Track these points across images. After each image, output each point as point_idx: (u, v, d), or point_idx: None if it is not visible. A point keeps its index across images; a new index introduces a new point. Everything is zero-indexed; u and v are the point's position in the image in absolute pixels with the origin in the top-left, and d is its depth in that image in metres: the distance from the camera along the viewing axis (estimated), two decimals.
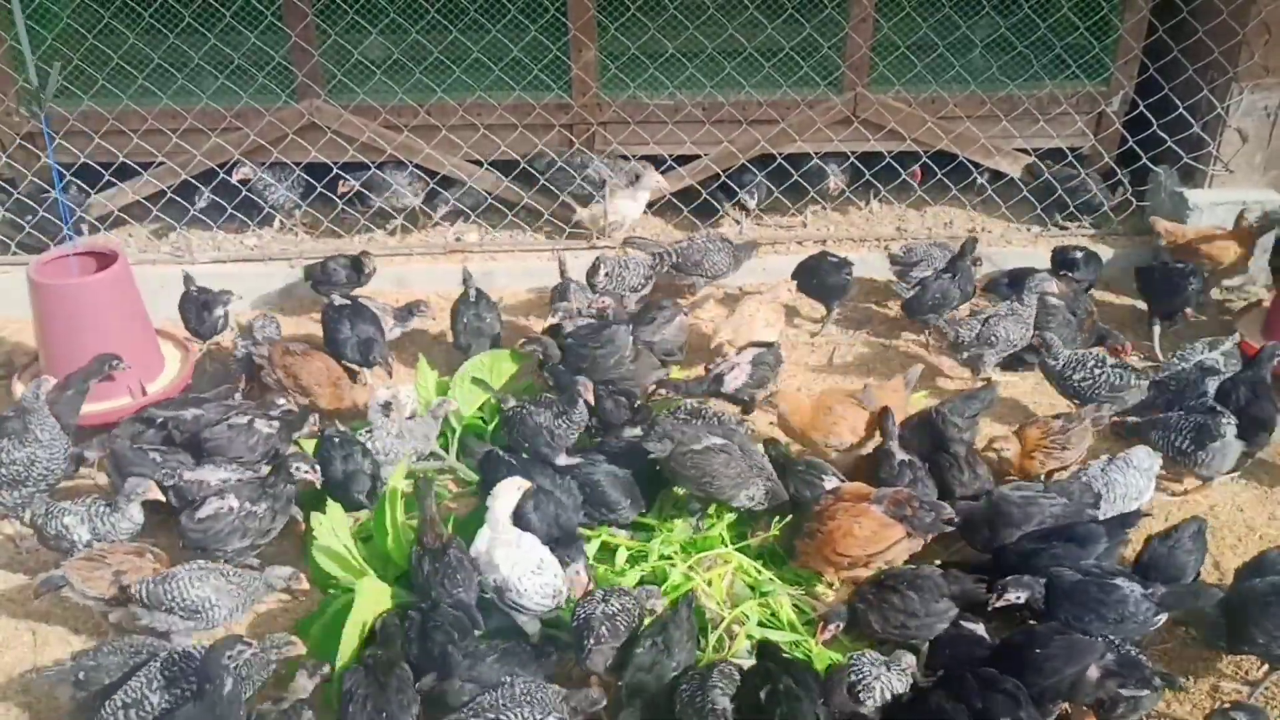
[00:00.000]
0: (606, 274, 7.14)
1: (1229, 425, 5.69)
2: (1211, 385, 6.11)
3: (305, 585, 4.99)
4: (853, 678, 4.32)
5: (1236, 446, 5.73)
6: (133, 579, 4.76)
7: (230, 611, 4.79)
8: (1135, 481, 5.40)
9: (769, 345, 6.39)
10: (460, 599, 4.70)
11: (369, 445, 5.62)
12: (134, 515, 5.20)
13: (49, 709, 4.73)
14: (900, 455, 5.46)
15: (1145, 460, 5.48)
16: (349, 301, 6.78)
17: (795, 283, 7.37)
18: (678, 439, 5.35)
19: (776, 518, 5.34)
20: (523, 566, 4.72)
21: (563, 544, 5.00)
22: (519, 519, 4.95)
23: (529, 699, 4.20)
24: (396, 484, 5.55)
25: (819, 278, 7.28)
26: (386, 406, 5.79)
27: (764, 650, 4.55)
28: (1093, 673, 4.28)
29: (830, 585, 5.16)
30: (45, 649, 5.01)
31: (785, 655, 4.52)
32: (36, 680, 4.66)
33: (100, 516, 5.15)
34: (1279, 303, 6.96)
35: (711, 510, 5.51)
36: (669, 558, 5.26)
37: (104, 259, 6.37)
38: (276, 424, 5.79)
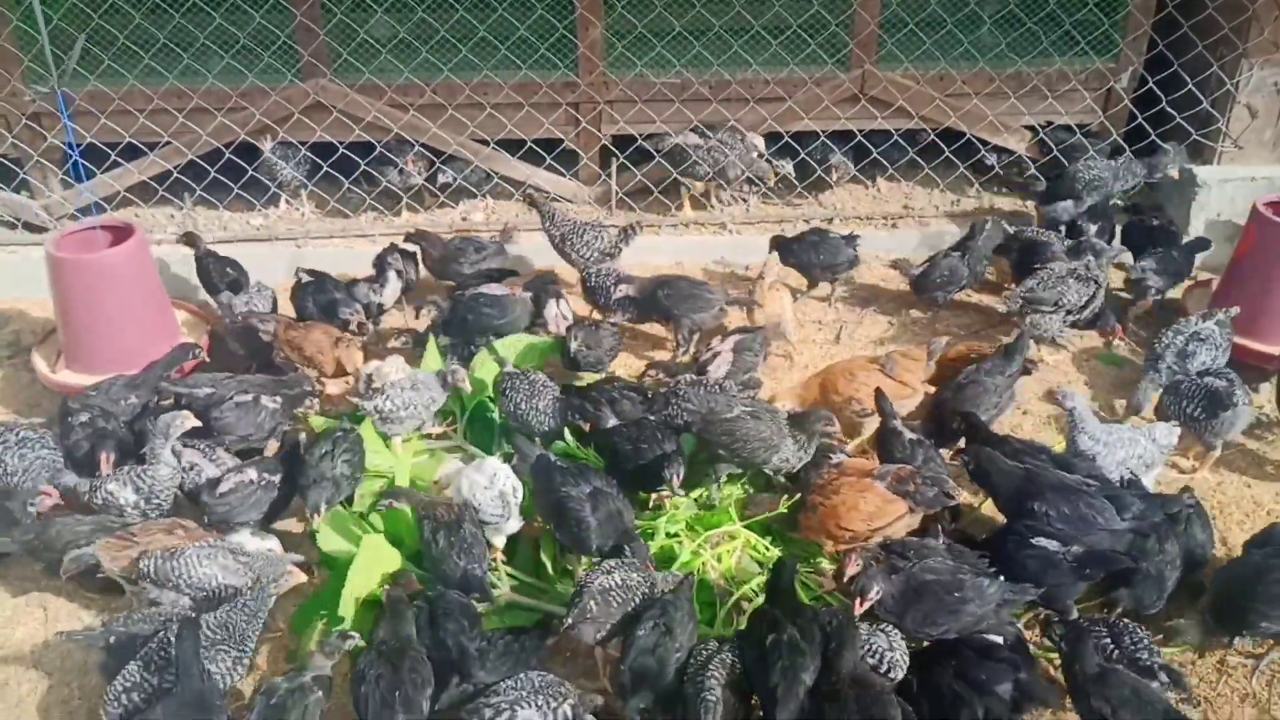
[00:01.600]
0: (568, 233, 7.17)
1: (1242, 393, 5.68)
2: (1204, 354, 6.12)
3: (302, 578, 4.92)
4: (871, 660, 4.32)
5: (1246, 415, 5.73)
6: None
7: (238, 591, 4.79)
8: (1147, 450, 5.40)
9: (753, 331, 6.37)
10: (474, 573, 4.73)
11: (385, 405, 5.63)
12: (168, 459, 5.27)
13: (61, 683, 4.76)
14: (909, 434, 5.46)
15: (1165, 437, 5.48)
16: (312, 278, 6.90)
17: (792, 262, 7.36)
18: (708, 408, 5.40)
19: (785, 495, 5.34)
20: (479, 485, 4.97)
21: (624, 540, 4.94)
22: (577, 518, 4.93)
23: (546, 689, 4.20)
24: (406, 461, 5.57)
25: (823, 254, 7.25)
26: (369, 379, 5.87)
27: (776, 592, 4.54)
28: None
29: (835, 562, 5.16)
30: (55, 624, 5.04)
31: (797, 602, 4.50)
32: (67, 643, 4.69)
33: (139, 475, 5.22)
34: (1225, 282, 6.91)
35: (723, 478, 5.51)
36: (675, 535, 5.26)
37: (119, 233, 6.42)
38: (280, 400, 5.82)
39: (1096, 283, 6.62)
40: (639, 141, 8.03)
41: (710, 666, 4.23)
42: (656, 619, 4.36)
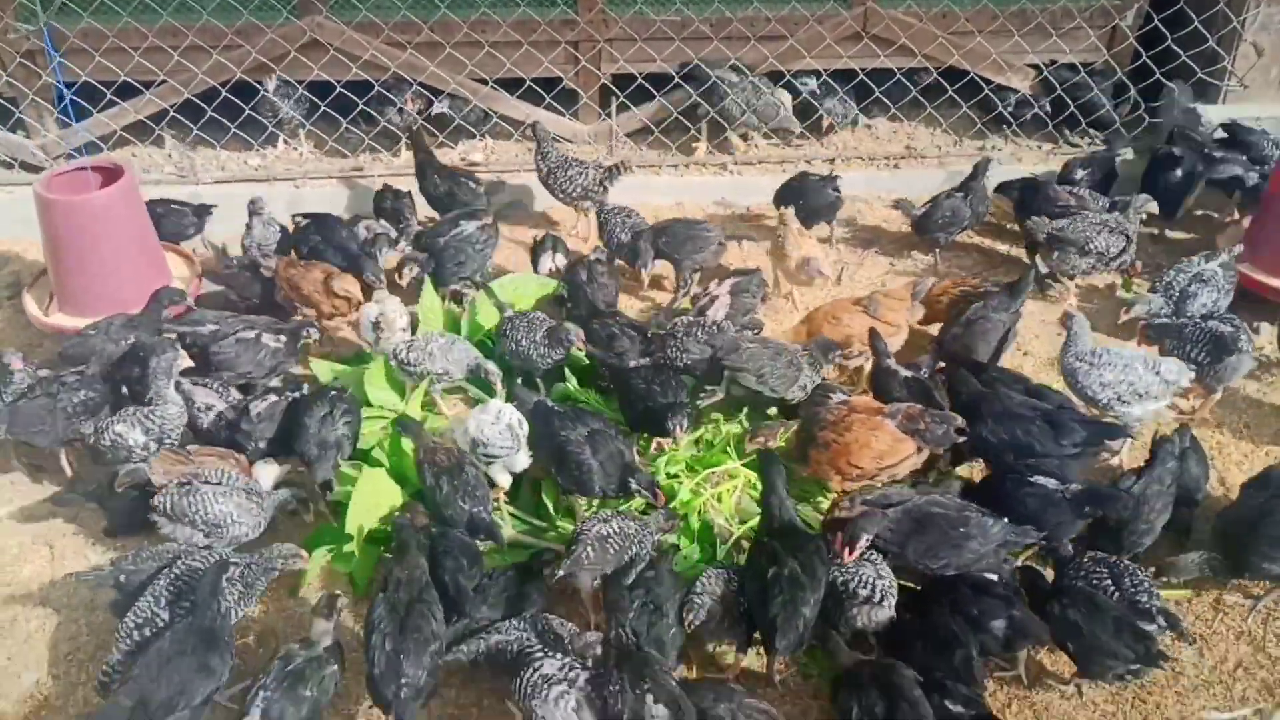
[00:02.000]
0: (554, 168, 7.18)
1: (1246, 339, 5.68)
2: (1205, 296, 6.11)
3: (307, 565, 4.87)
4: (863, 590, 4.36)
5: (1250, 361, 5.73)
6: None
7: (250, 529, 4.85)
8: (1143, 379, 5.37)
9: (749, 273, 6.36)
10: (480, 516, 4.78)
11: (405, 356, 5.65)
12: (174, 397, 5.28)
13: (68, 620, 4.81)
14: (903, 373, 5.47)
15: (1173, 374, 5.43)
16: (309, 220, 6.82)
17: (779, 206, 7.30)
18: (718, 344, 5.50)
19: (783, 429, 5.36)
20: (486, 420, 5.06)
21: (627, 475, 4.96)
22: (578, 461, 4.94)
23: (550, 636, 4.29)
24: (415, 401, 5.56)
25: (805, 198, 7.18)
26: (376, 325, 5.89)
27: (772, 526, 4.53)
28: None
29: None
30: (62, 562, 5.09)
31: (799, 535, 4.51)
32: (76, 584, 4.71)
33: (146, 416, 5.22)
34: (1257, 221, 6.83)
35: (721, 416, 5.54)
36: (675, 476, 5.28)
37: (109, 174, 6.35)
38: (284, 338, 5.82)
39: (1127, 236, 6.57)
40: (639, 80, 7.95)
41: (701, 579, 4.37)
42: (643, 600, 4.36)
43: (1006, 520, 4.57)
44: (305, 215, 6.94)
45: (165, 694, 3.95)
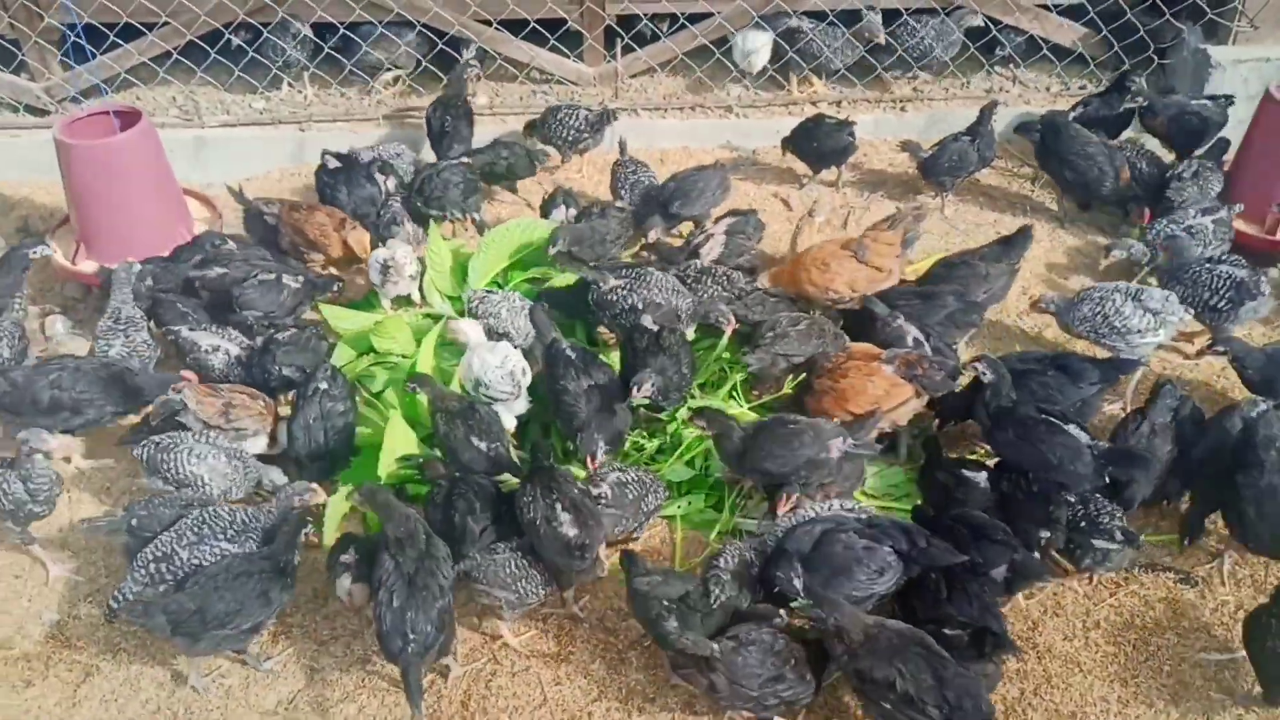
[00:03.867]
0: (546, 114, 7.23)
1: (1265, 282, 5.67)
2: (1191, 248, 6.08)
3: (324, 498, 4.84)
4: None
5: (1269, 303, 5.72)
6: (241, 415, 5.03)
7: (223, 492, 4.86)
8: (1123, 309, 5.42)
9: (745, 214, 6.33)
10: (499, 452, 4.84)
11: (478, 308, 5.68)
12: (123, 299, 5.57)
13: (86, 563, 4.90)
14: (913, 333, 5.38)
15: (1157, 303, 5.44)
16: (340, 163, 6.68)
17: (791, 149, 7.32)
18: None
19: (790, 377, 5.39)
20: (490, 364, 5.13)
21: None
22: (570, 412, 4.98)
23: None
24: (428, 347, 5.55)
25: (819, 141, 7.18)
26: (385, 269, 5.90)
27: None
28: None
29: None
30: (79, 507, 5.17)
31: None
32: (89, 530, 4.73)
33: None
34: (1239, 167, 6.81)
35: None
36: (683, 421, 5.30)
37: (126, 118, 6.36)
38: (301, 279, 5.86)
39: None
40: (644, 21, 7.88)
41: (721, 557, 4.35)
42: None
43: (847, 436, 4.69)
44: (336, 156, 6.77)
45: (222, 608, 4.15)
